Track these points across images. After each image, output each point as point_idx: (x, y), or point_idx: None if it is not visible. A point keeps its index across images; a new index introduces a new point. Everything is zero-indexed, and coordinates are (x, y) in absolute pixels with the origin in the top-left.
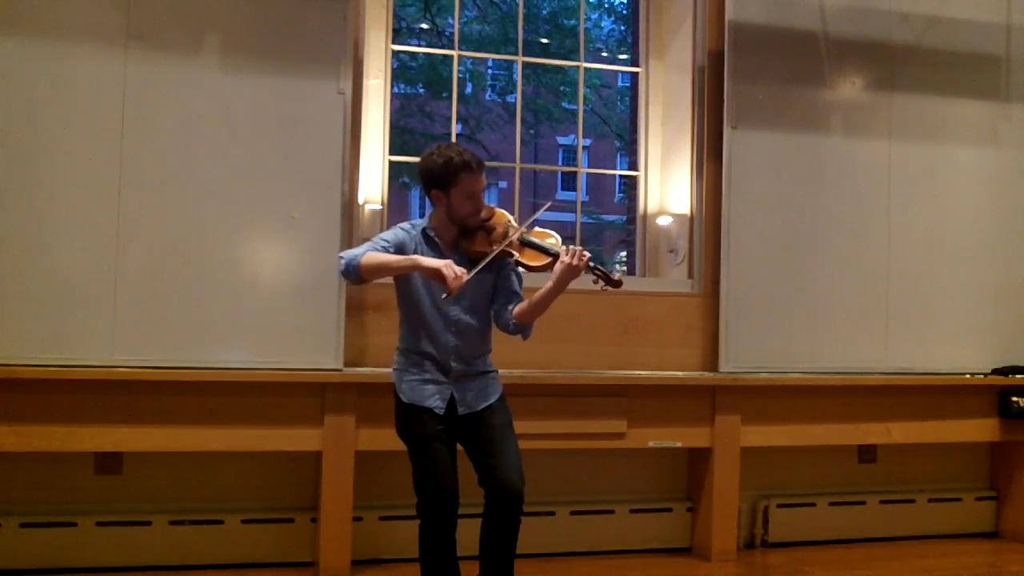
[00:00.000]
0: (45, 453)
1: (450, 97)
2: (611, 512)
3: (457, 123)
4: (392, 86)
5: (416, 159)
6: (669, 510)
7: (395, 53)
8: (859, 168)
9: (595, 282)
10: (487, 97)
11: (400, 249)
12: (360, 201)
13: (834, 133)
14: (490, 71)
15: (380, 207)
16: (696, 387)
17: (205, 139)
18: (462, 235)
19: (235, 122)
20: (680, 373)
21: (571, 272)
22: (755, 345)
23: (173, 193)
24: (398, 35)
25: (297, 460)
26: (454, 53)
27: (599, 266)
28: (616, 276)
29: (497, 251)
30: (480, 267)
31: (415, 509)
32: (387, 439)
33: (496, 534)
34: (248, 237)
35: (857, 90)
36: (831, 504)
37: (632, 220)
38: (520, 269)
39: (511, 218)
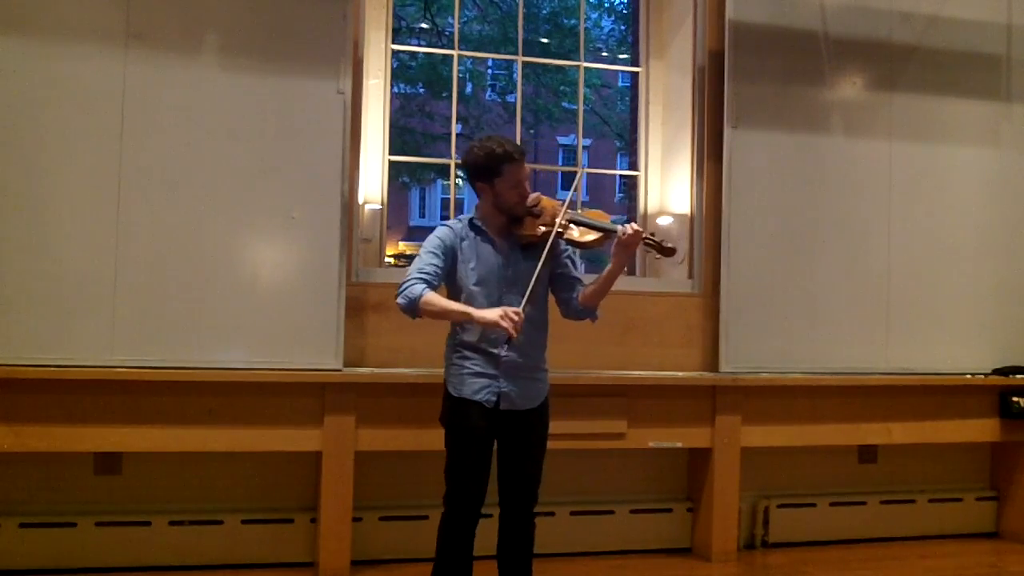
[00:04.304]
0: (45, 453)
1: (450, 97)
2: (611, 512)
3: (457, 123)
4: (392, 86)
5: (417, 159)
6: (669, 510)
7: (395, 53)
8: (859, 168)
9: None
10: (487, 97)
11: (449, 254)
12: (360, 201)
13: (834, 133)
14: (490, 71)
15: (380, 207)
16: (696, 387)
17: (205, 139)
18: (511, 222)
19: (235, 122)
20: (680, 373)
21: (627, 248)
22: (755, 345)
23: (173, 193)
24: (398, 35)
25: (297, 460)
26: (454, 53)
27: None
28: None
29: (552, 236)
30: (542, 263)
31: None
32: (387, 439)
33: (511, 538)
34: (248, 237)
35: (857, 90)
36: (831, 504)
37: (632, 220)
38: (573, 248)
39: (556, 202)
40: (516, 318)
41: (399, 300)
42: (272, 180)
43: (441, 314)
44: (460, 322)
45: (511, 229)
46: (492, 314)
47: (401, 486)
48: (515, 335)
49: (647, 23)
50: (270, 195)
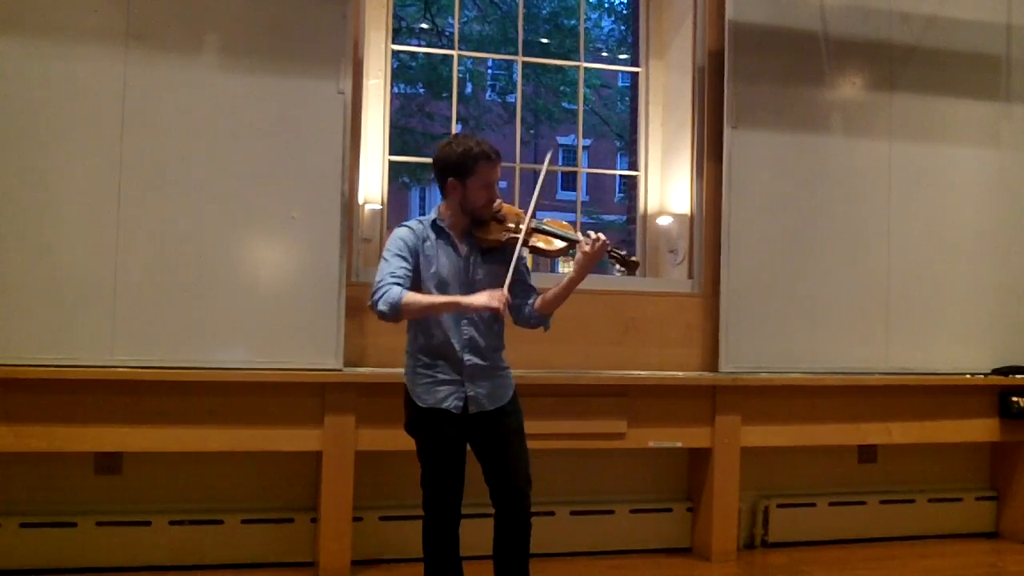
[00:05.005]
0: (45, 453)
1: (450, 97)
2: (611, 512)
3: (457, 123)
4: (392, 86)
5: (417, 159)
6: (669, 510)
7: (395, 53)
8: (859, 168)
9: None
10: (487, 97)
11: (414, 255)
12: (360, 201)
13: (834, 133)
14: (490, 71)
15: (380, 207)
16: (696, 387)
17: (205, 139)
18: (474, 225)
19: (235, 122)
20: (680, 373)
21: (592, 258)
22: (755, 345)
23: (173, 193)
24: (398, 35)
25: (297, 460)
26: (454, 53)
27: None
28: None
29: (520, 241)
30: (512, 269)
31: (421, 504)
32: (387, 439)
33: (506, 539)
34: (248, 237)
35: (857, 90)
36: (831, 504)
37: (632, 220)
38: (536, 256)
39: (518, 210)
40: (502, 298)
41: (380, 307)
42: (272, 180)
43: (426, 309)
44: (445, 312)
45: (473, 232)
46: (480, 299)
47: (401, 486)
48: (503, 312)
49: (647, 23)
50: (270, 195)
